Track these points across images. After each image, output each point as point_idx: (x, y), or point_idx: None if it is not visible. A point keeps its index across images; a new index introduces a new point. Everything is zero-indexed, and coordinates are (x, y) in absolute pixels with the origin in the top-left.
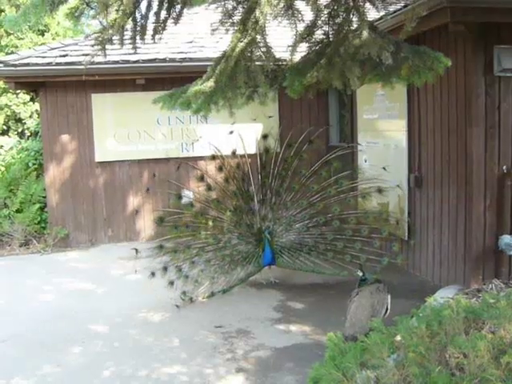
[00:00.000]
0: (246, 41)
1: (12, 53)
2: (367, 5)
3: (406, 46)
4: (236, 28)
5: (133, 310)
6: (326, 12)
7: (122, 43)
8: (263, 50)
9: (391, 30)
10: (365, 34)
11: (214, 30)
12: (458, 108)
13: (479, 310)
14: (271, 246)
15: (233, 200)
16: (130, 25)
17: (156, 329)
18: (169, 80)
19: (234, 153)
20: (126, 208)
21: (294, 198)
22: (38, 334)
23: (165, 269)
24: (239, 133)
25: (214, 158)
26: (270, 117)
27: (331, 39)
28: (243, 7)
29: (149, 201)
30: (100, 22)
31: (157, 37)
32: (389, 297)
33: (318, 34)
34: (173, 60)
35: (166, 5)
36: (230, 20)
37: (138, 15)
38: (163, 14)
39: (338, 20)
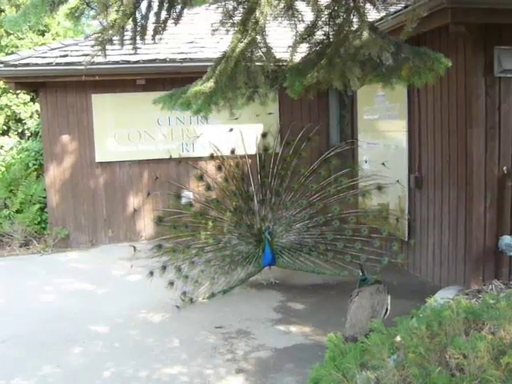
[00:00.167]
0: (246, 41)
1: (12, 53)
2: (368, 5)
3: (406, 47)
4: (236, 28)
5: (133, 310)
6: (326, 12)
7: (122, 43)
8: (263, 50)
9: (392, 31)
10: (365, 34)
11: (214, 31)
12: (459, 109)
13: (479, 311)
14: (271, 246)
15: (233, 200)
16: (130, 25)
17: (156, 329)
18: (169, 80)
19: (233, 151)
20: (126, 208)
21: (294, 197)
22: (38, 335)
23: (163, 268)
24: (240, 131)
25: (212, 157)
26: (270, 113)
27: (331, 40)
28: (243, 8)
29: (149, 201)
30: (100, 23)
31: (157, 37)
32: (389, 297)
33: (319, 35)
34: (173, 60)
35: (166, 5)
36: (231, 20)
37: (138, 15)
38: (163, 14)
39: (339, 20)
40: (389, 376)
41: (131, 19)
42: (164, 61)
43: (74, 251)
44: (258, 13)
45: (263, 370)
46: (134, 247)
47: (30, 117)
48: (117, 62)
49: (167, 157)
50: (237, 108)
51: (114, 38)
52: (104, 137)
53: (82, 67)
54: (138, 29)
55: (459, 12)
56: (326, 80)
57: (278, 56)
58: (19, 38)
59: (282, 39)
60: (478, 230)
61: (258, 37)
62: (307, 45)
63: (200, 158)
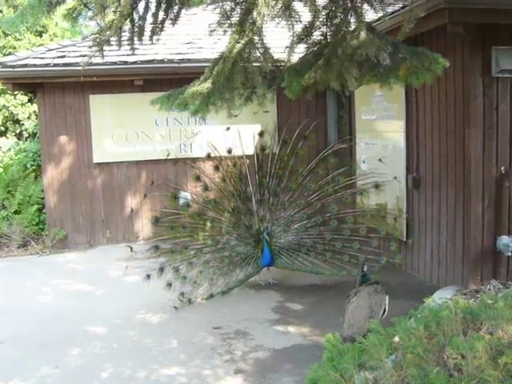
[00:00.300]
0: (243, 42)
1: (10, 54)
2: (365, 6)
3: (403, 47)
4: (234, 29)
5: (131, 311)
6: (323, 13)
7: (119, 44)
8: (261, 50)
9: (389, 31)
10: (363, 34)
11: (212, 31)
12: (456, 109)
13: (477, 311)
14: (270, 246)
15: (231, 201)
16: (127, 26)
17: (154, 330)
18: (167, 81)
19: (230, 151)
20: (124, 209)
21: (292, 197)
22: (36, 335)
23: (161, 269)
24: (238, 130)
25: (210, 157)
26: (266, 111)
27: (329, 40)
28: (241, 8)
29: (147, 202)
30: (98, 23)
31: (155, 38)
32: (387, 298)
33: (316, 35)
34: (171, 61)
35: (163, 6)
36: (228, 21)
37: (135, 16)
38: (161, 14)
39: (336, 21)
40: (387, 376)
41: (129, 20)
42: (162, 61)
43: (72, 252)
44: (255, 13)
45: (261, 370)
46: (131, 247)
47: (28, 118)
48: (114, 63)
49: (165, 157)
50: (234, 109)
51: (112, 38)
52: (102, 137)
53: (80, 68)
54: (136, 29)
55: (456, 12)
56: (323, 80)
57: (275, 56)
58: (17, 38)
59: (279, 40)
60: (476, 230)
61: (256, 37)
62: (305, 45)
63: (198, 159)
